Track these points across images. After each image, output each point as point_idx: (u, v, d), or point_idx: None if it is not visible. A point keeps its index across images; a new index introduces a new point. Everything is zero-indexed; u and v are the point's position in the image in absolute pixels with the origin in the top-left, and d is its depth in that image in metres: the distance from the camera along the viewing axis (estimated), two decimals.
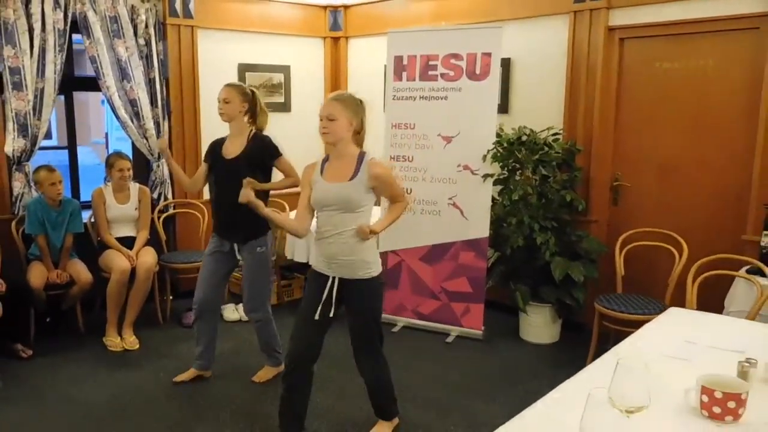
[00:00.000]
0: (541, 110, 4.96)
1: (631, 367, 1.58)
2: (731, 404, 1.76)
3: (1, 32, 4.49)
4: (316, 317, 3.04)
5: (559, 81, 4.87)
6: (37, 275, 4.46)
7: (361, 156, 3.00)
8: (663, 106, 4.51)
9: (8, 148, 4.64)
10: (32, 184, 4.75)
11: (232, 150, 3.72)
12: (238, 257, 3.85)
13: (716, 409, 1.77)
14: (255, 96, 3.78)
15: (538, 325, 4.67)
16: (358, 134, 3.04)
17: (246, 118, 3.75)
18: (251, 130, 3.76)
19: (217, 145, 3.82)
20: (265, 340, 4.01)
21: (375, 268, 3.06)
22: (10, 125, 4.62)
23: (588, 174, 4.77)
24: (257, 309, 3.89)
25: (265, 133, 3.82)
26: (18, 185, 4.76)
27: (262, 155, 3.72)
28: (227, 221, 3.76)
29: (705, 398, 1.79)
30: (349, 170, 2.96)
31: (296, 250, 5.16)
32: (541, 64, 4.99)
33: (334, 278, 3.03)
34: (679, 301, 3.50)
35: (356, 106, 3.00)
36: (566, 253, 4.53)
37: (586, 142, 4.75)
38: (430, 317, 4.91)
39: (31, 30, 4.58)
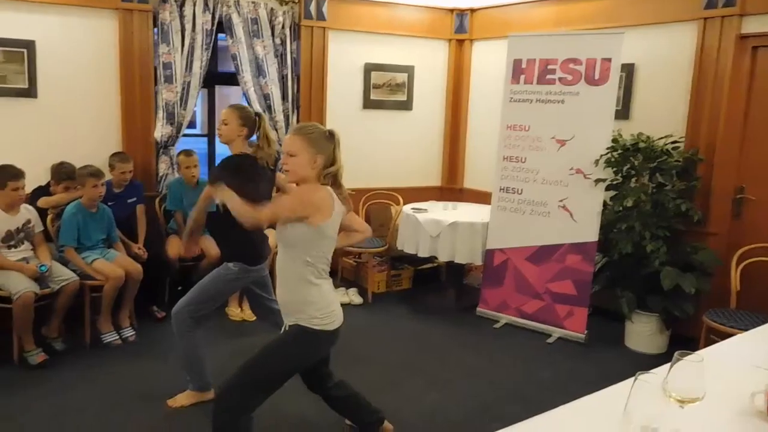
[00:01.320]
0: (663, 117, 4.84)
1: (688, 358, 1.64)
2: None
3: (159, 32, 5.05)
4: None
5: (684, 88, 4.73)
6: (174, 247, 4.98)
7: None
8: None
9: (157, 134, 5.21)
10: (175, 166, 5.29)
11: None
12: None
13: None
14: (260, 122, 3.47)
15: (645, 334, 4.58)
16: (330, 170, 2.62)
17: (245, 144, 3.45)
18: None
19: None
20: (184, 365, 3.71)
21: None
22: (159, 113, 5.19)
23: (709, 185, 4.61)
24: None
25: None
26: (163, 167, 5.32)
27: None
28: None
29: None
30: None
31: (406, 242, 5.39)
32: (665, 71, 4.87)
33: None
34: None
35: (324, 140, 2.61)
36: (678, 263, 4.41)
37: (709, 151, 4.59)
38: (532, 317, 4.95)
39: (183, 30, 5.12)
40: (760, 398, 1.85)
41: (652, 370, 1.63)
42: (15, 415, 3.42)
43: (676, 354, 1.66)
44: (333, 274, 5.53)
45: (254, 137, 3.48)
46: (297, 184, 2.70)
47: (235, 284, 3.59)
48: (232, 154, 3.44)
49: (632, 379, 1.60)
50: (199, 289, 3.53)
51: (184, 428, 3.38)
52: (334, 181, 2.63)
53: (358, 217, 3.19)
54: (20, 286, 3.94)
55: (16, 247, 4.18)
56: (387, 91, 6.19)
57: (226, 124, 3.43)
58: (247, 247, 3.37)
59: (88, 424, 3.37)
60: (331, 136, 2.64)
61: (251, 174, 3.31)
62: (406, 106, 6.34)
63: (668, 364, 1.66)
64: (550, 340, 4.78)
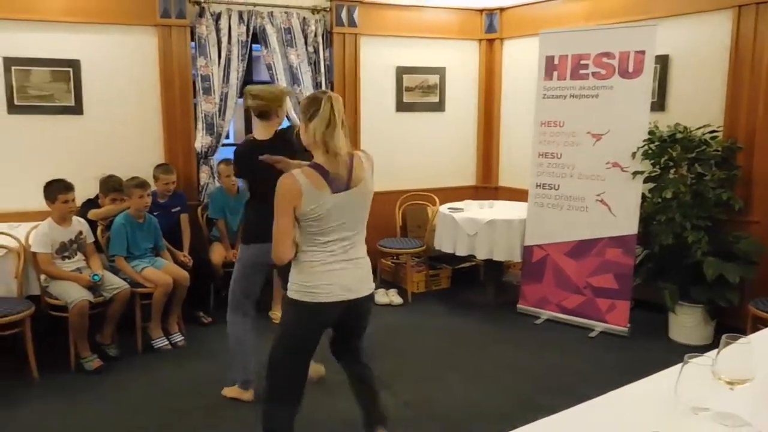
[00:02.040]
0: (700, 108, 4.81)
1: (737, 341, 1.66)
2: None
3: (197, 45, 5.20)
4: None
5: (720, 78, 4.70)
6: (217, 254, 5.12)
7: None
8: None
9: (197, 144, 5.36)
10: (215, 175, 5.43)
11: None
12: None
13: None
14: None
15: (689, 326, 4.55)
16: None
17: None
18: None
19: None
20: (231, 356, 3.85)
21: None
22: (199, 124, 5.34)
23: (749, 173, 4.57)
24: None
25: None
26: (204, 176, 5.47)
27: None
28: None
29: None
30: None
31: (444, 242, 5.44)
32: (700, 61, 4.85)
33: None
34: None
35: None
36: (720, 253, 4.38)
37: (749, 140, 4.55)
38: (573, 311, 4.96)
39: (219, 42, 5.27)
40: None
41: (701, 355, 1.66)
42: (76, 418, 3.57)
43: (724, 337, 1.69)
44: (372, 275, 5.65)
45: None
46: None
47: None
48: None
49: (680, 364, 1.64)
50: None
51: (237, 427, 3.47)
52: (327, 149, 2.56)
53: None
54: (75, 295, 4.10)
55: (70, 258, 4.34)
56: (419, 93, 6.25)
57: None
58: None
59: (143, 425, 3.49)
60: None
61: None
62: (438, 107, 6.40)
63: (716, 349, 1.69)
64: (592, 335, 4.77)
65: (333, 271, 2.64)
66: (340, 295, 2.66)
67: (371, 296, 2.81)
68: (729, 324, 4.53)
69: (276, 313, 5.13)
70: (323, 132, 2.52)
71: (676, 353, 1.91)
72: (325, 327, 2.80)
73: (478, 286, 6.00)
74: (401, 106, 6.22)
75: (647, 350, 4.47)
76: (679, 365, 1.64)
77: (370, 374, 3.04)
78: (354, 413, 3.11)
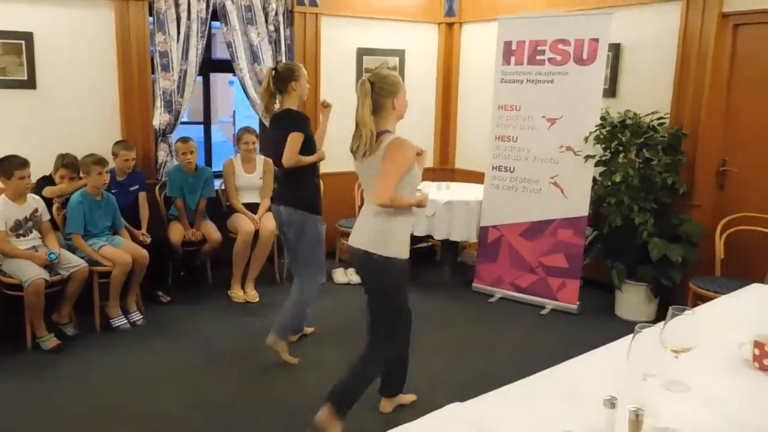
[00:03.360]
0: (649, 95, 5.01)
1: (681, 311, 1.81)
2: None
3: (155, 21, 5.13)
4: None
5: (669, 66, 4.90)
6: (176, 233, 5.10)
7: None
8: None
9: (156, 122, 5.30)
10: (173, 153, 5.39)
11: None
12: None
13: (767, 361, 1.95)
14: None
15: (634, 303, 4.79)
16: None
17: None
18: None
19: None
20: (286, 315, 4.08)
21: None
22: (158, 102, 5.28)
23: (693, 158, 4.80)
24: (297, 284, 4.11)
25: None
26: (162, 154, 5.42)
27: None
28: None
29: (756, 351, 1.97)
30: None
31: None
32: (650, 50, 5.04)
33: None
34: None
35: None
36: (665, 234, 4.61)
37: (693, 126, 4.77)
38: (526, 290, 5.14)
39: (178, 18, 5.19)
40: (746, 348, 2.03)
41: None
42: (33, 398, 3.54)
43: (670, 309, 1.84)
44: (332, 255, 5.73)
45: None
46: None
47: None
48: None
49: (631, 335, 1.77)
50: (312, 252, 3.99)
51: (202, 400, 3.52)
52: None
53: None
54: (31, 273, 4.05)
55: (25, 236, 4.28)
56: None
57: None
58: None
59: (106, 403, 3.51)
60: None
61: None
62: None
63: (664, 321, 1.83)
64: (543, 312, 4.97)
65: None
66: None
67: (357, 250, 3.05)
68: (672, 302, 4.76)
69: (237, 293, 5.13)
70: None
71: (622, 329, 2.05)
72: None
73: (435, 266, 6.13)
74: None
75: (596, 326, 4.68)
76: (631, 336, 1.77)
77: (406, 352, 3.39)
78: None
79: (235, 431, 3.27)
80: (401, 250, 2.99)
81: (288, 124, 3.84)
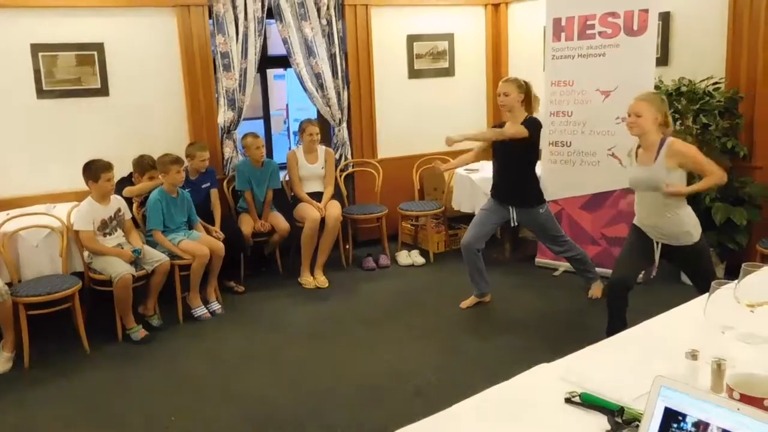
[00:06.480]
0: (702, 60, 5.00)
1: (755, 268, 1.90)
2: None
3: (215, 23, 5.36)
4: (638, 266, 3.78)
5: (720, 31, 4.88)
6: (246, 225, 5.34)
7: (662, 141, 3.45)
8: None
9: (220, 120, 5.55)
10: (240, 148, 5.63)
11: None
12: (514, 218, 4.58)
13: None
14: (528, 86, 4.38)
15: None
16: (664, 126, 3.49)
17: (522, 106, 4.37)
18: (526, 115, 4.36)
19: (499, 126, 4.56)
20: (579, 267, 4.77)
21: (695, 234, 3.51)
22: (221, 100, 5.52)
23: (751, 121, 4.78)
24: (564, 250, 4.65)
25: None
26: (228, 150, 5.67)
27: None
28: (504, 189, 4.58)
29: None
30: (652, 156, 3.47)
31: (462, 202, 5.66)
32: (701, 15, 5.02)
33: (657, 243, 3.59)
34: None
35: (660, 102, 3.51)
36: (728, 198, 4.62)
37: (750, 89, 4.75)
38: None
39: (236, 19, 5.41)
40: None
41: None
42: (130, 385, 3.80)
43: (744, 266, 1.93)
44: (393, 238, 5.91)
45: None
46: (639, 137, 3.53)
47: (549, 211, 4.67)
48: (522, 116, 4.36)
49: (708, 292, 1.88)
50: (552, 231, 4.63)
51: (285, 388, 3.74)
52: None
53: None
54: (119, 269, 4.33)
55: (110, 234, 4.56)
56: (429, 59, 6.42)
57: (507, 95, 4.33)
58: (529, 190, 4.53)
59: (198, 385, 3.76)
60: (664, 100, 3.53)
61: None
62: (448, 72, 6.57)
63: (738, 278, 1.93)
64: None
65: None
66: None
67: None
68: (739, 265, 4.79)
69: (307, 279, 5.35)
70: None
71: (690, 295, 2.15)
72: None
73: (495, 244, 6.22)
74: (413, 73, 6.39)
75: (663, 294, 4.71)
76: (707, 294, 1.88)
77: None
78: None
79: (328, 409, 3.42)
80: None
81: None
